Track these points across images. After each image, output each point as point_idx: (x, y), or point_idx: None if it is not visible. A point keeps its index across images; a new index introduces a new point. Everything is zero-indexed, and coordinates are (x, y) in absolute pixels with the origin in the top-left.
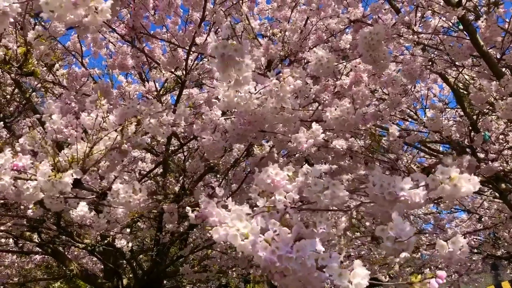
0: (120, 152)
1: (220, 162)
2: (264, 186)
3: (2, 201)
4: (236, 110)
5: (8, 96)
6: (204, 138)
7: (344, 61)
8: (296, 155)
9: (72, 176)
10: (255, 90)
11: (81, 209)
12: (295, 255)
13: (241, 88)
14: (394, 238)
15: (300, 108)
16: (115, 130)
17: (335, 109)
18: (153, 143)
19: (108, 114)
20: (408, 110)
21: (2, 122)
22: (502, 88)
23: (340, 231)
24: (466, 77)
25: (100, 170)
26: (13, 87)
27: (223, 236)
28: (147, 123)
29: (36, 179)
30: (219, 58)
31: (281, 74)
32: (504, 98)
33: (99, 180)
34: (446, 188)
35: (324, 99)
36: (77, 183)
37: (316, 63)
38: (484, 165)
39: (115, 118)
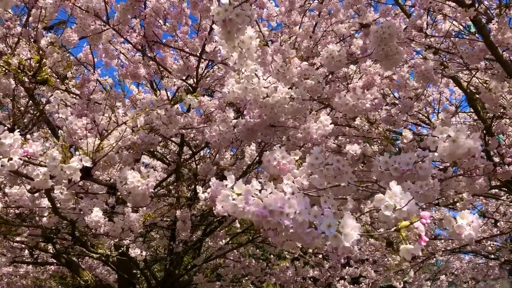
0: (133, 152)
1: (232, 169)
2: (270, 168)
3: (17, 212)
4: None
5: (22, 108)
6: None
7: (354, 64)
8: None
9: (81, 161)
10: (264, 78)
11: (96, 215)
12: (287, 210)
13: (247, 66)
14: (393, 206)
15: (310, 100)
16: (124, 123)
17: (344, 95)
18: (164, 152)
19: (117, 107)
20: (420, 115)
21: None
22: None
23: (346, 209)
24: (479, 80)
25: (111, 179)
26: (27, 99)
27: (225, 205)
28: (155, 114)
29: (45, 165)
30: (221, 24)
31: (287, 56)
32: None
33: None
34: (446, 145)
35: None
36: (87, 175)
37: (327, 57)
38: (500, 169)
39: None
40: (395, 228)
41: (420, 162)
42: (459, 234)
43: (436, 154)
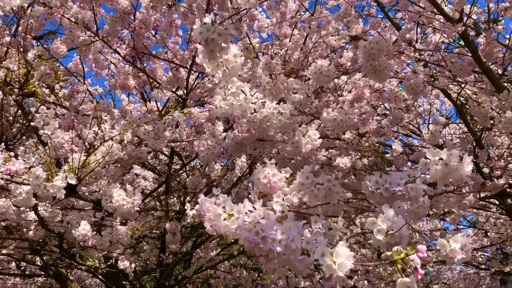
0: (121, 166)
1: (222, 181)
2: (260, 186)
3: (3, 224)
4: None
5: (11, 118)
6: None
7: (344, 75)
8: None
9: (66, 179)
10: (251, 94)
11: (83, 228)
12: (279, 237)
13: (233, 83)
14: (385, 230)
15: (299, 115)
16: (111, 138)
17: (332, 110)
18: (154, 162)
19: (105, 121)
20: (411, 126)
21: (3, 144)
22: (502, 103)
23: (337, 229)
24: (469, 92)
25: (100, 190)
26: (15, 109)
27: (215, 224)
28: (142, 130)
29: (29, 184)
30: (203, 44)
31: (273, 72)
32: (504, 112)
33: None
34: (438, 169)
35: None
36: (72, 192)
37: (316, 72)
38: (490, 182)
39: (116, 131)
40: (390, 260)
41: (411, 184)
42: (451, 258)
43: (428, 176)
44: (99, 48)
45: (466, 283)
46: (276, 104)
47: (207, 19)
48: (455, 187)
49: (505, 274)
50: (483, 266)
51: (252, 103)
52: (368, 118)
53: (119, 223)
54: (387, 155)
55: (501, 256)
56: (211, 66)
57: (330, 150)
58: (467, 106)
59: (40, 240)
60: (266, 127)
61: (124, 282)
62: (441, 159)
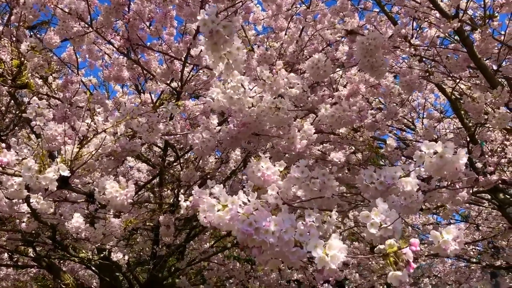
0: (114, 159)
1: (217, 174)
2: (254, 179)
3: None
4: (231, 112)
5: (3, 108)
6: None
7: (340, 69)
8: None
9: (58, 171)
10: (250, 88)
11: (76, 220)
12: (273, 228)
13: (233, 76)
14: (379, 224)
15: (295, 110)
16: (104, 131)
17: (330, 106)
18: (148, 154)
19: (98, 113)
20: (405, 120)
21: None
22: (496, 98)
23: (331, 223)
24: (463, 87)
25: (94, 182)
26: (8, 99)
27: (208, 216)
28: (136, 122)
29: (21, 175)
30: (207, 35)
31: (274, 67)
32: (497, 107)
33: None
34: (433, 161)
35: None
36: (65, 184)
37: (313, 67)
38: (483, 178)
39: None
40: (383, 253)
41: (405, 177)
42: (445, 249)
43: (422, 169)
44: (93, 39)
45: (457, 276)
46: (274, 98)
47: (210, 10)
48: (449, 183)
49: (495, 268)
50: (474, 260)
51: (250, 97)
52: (365, 115)
53: (112, 216)
54: (381, 150)
55: (492, 250)
56: (213, 59)
57: (324, 145)
58: (462, 101)
59: (33, 232)
60: (263, 121)
61: (117, 274)
62: (436, 151)
